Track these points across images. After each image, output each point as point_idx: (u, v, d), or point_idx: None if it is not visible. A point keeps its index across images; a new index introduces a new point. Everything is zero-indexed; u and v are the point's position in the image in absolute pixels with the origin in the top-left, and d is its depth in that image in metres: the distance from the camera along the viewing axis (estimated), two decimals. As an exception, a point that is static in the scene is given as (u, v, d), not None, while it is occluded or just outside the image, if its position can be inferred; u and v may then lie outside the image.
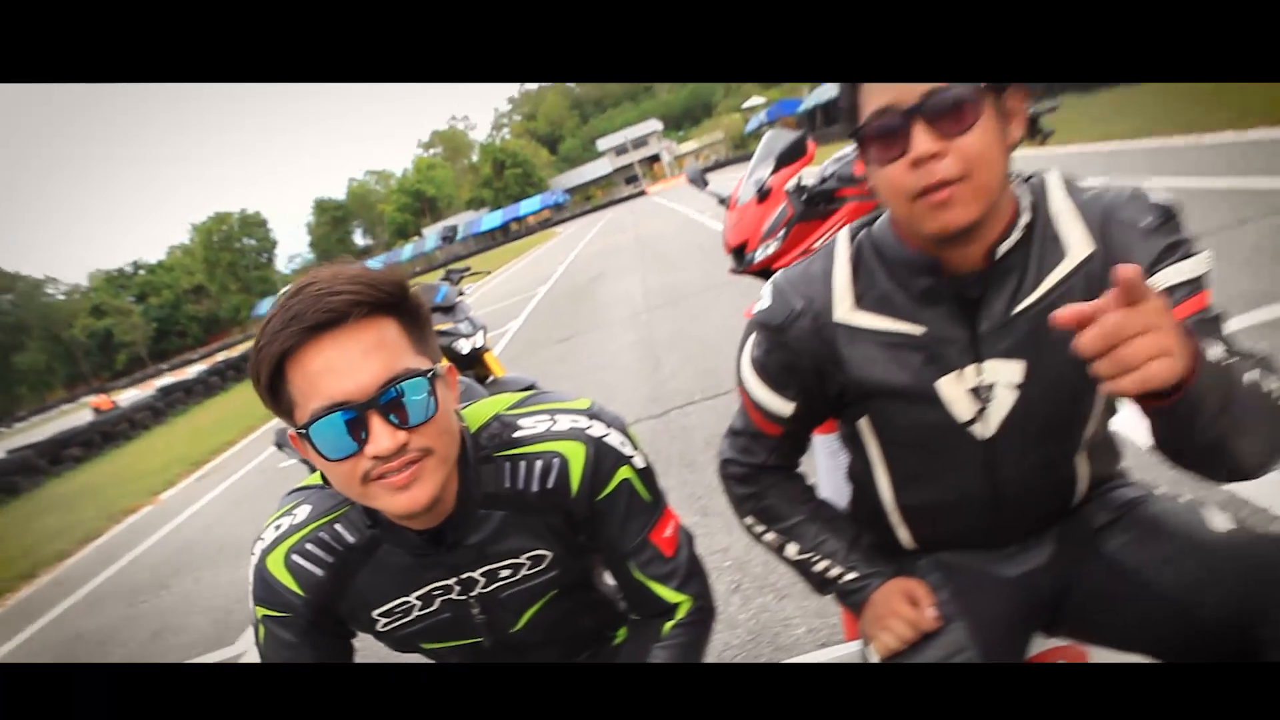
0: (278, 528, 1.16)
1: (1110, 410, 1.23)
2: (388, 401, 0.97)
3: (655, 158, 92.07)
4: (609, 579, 1.39)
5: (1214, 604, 1.06)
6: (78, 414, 28.54)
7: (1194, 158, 7.39)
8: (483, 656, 1.28)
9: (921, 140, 0.99)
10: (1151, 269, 1.06)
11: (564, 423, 1.17)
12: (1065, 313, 0.83)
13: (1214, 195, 5.87)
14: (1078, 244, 1.10)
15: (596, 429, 1.18)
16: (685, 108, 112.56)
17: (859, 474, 1.36)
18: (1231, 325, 3.50)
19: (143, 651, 4.20)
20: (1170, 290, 1.05)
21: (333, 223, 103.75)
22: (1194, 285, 1.06)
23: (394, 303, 1.01)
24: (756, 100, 75.32)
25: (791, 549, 1.34)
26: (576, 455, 1.15)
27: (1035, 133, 4.55)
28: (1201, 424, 0.90)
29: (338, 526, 1.14)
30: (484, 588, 1.18)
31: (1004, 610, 1.25)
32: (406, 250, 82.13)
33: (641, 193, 72.16)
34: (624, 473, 1.19)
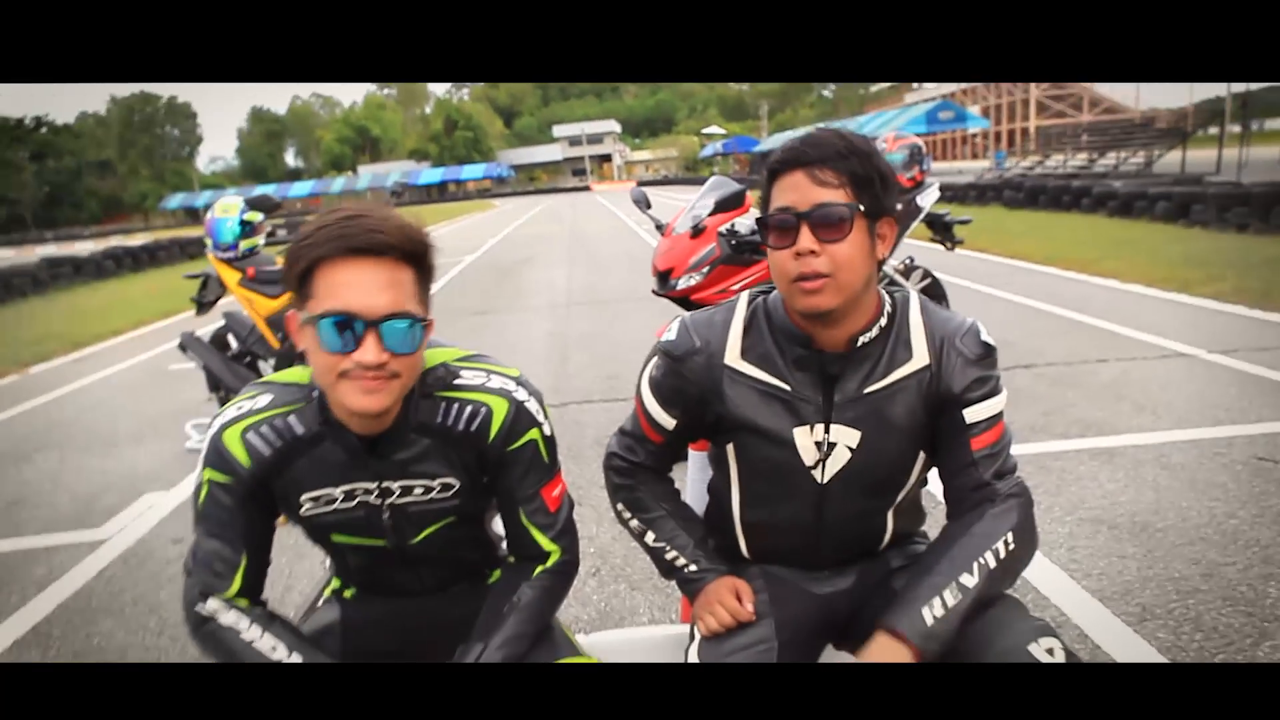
0: (239, 408, 1.36)
1: (921, 483, 1.57)
2: (386, 327, 1.20)
3: (607, 157, 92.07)
4: (496, 527, 1.63)
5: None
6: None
7: (1080, 292, 8.12)
8: (378, 560, 1.50)
9: (805, 239, 1.32)
10: (964, 394, 1.41)
11: (496, 381, 1.42)
12: None
13: (1087, 330, 6.52)
14: (919, 354, 1.43)
15: (520, 394, 1.43)
16: (647, 117, 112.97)
17: (717, 489, 1.65)
18: (1069, 448, 4.01)
19: (-7, 518, 4.17)
20: (974, 424, 1.41)
21: (267, 136, 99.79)
22: (992, 420, 1.43)
23: (418, 259, 1.26)
24: (716, 130, 76.39)
25: (650, 536, 1.62)
26: (500, 409, 1.40)
27: (948, 239, 5.01)
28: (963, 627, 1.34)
29: (290, 418, 1.35)
30: (397, 498, 1.41)
31: (807, 619, 1.55)
32: (338, 183, 79.56)
33: (587, 188, 72.01)
34: (533, 434, 1.44)
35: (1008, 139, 53.75)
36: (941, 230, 5.09)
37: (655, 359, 1.57)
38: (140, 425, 5.78)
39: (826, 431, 1.43)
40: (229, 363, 4.69)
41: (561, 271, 13.22)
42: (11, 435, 5.80)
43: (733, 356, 1.47)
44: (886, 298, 1.46)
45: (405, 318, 1.22)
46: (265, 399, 1.37)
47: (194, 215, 74.16)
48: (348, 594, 1.63)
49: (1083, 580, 2.84)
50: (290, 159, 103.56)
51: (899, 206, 1.45)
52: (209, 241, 4.66)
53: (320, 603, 1.69)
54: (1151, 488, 3.54)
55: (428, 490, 1.41)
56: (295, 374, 1.41)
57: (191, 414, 5.72)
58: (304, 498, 1.39)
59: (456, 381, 1.41)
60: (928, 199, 4.81)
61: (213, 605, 1.36)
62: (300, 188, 79.53)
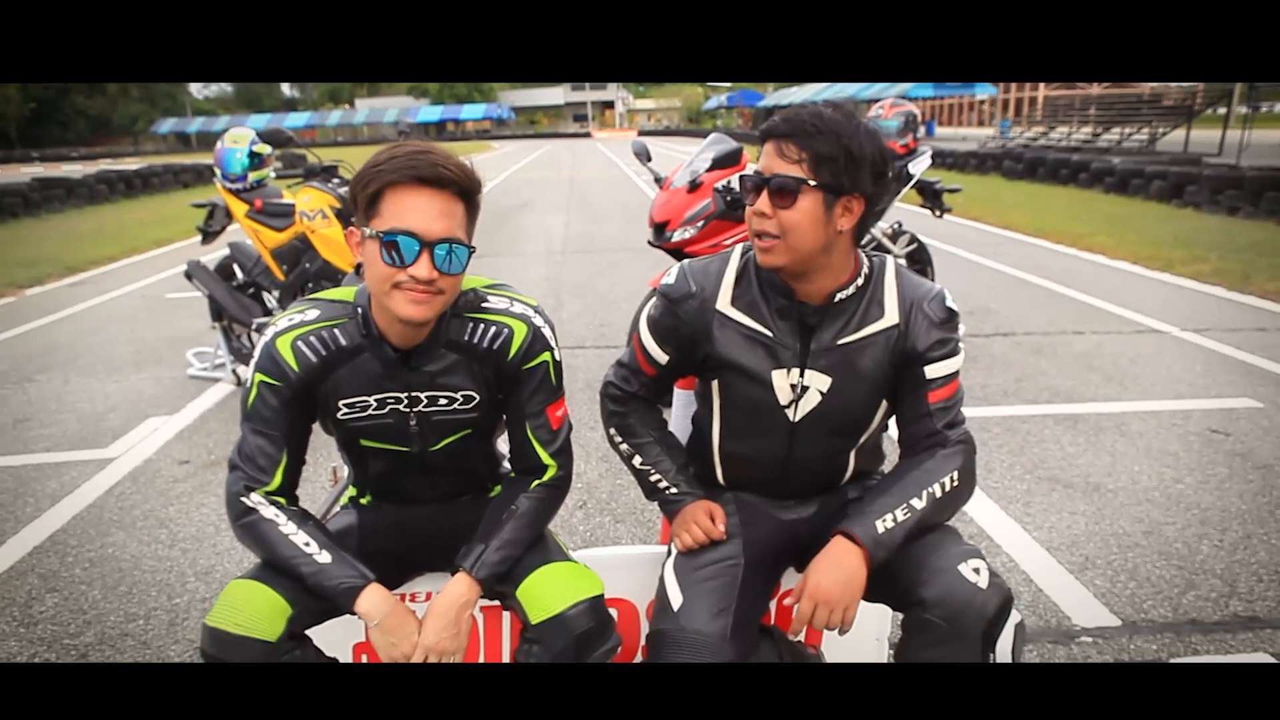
0: (290, 320, 1.55)
1: (882, 428, 1.76)
2: (439, 249, 1.42)
3: (610, 104, 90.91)
4: (502, 447, 1.83)
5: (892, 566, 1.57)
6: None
7: (1066, 265, 8.29)
8: (399, 466, 1.69)
9: (761, 201, 1.51)
10: (926, 352, 1.59)
11: (519, 308, 1.63)
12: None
13: (1068, 302, 6.69)
14: (890, 314, 1.62)
15: (538, 320, 1.64)
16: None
17: (700, 421, 1.84)
18: (1037, 412, 4.21)
19: (2, 434, 4.32)
20: (933, 380, 1.60)
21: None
22: (949, 377, 1.62)
23: (470, 195, 1.48)
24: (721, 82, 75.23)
25: (637, 460, 1.81)
26: (520, 331, 1.60)
27: (937, 206, 5.15)
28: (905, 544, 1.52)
29: (336, 330, 1.55)
30: (424, 407, 1.61)
31: (771, 541, 1.75)
32: (334, 116, 78.56)
33: (588, 134, 71.33)
34: (546, 356, 1.65)
35: (1015, 107, 53.34)
36: (931, 197, 5.23)
37: (654, 299, 1.74)
38: (140, 351, 5.91)
39: (801, 375, 1.62)
40: (233, 292, 4.82)
41: (559, 218, 13.28)
42: (12, 355, 5.92)
43: (723, 302, 1.65)
44: (865, 260, 1.63)
45: (456, 243, 1.44)
46: (314, 313, 1.56)
47: (185, 141, 73.21)
48: (364, 501, 1.82)
49: (1034, 532, 3.06)
50: (286, 89, 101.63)
51: (888, 174, 1.60)
52: (218, 171, 4.76)
53: (339, 509, 1.88)
54: (1109, 453, 3.76)
55: (451, 401, 1.61)
56: (340, 293, 1.61)
57: (191, 342, 5.88)
58: (342, 403, 1.58)
59: (484, 305, 1.61)
60: (919, 166, 4.94)
61: (256, 499, 1.54)
62: (296, 119, 78.24)
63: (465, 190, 1.46)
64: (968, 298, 6.66)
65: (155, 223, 13.53)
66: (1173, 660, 2.32)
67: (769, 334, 1.62)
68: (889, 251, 5.22)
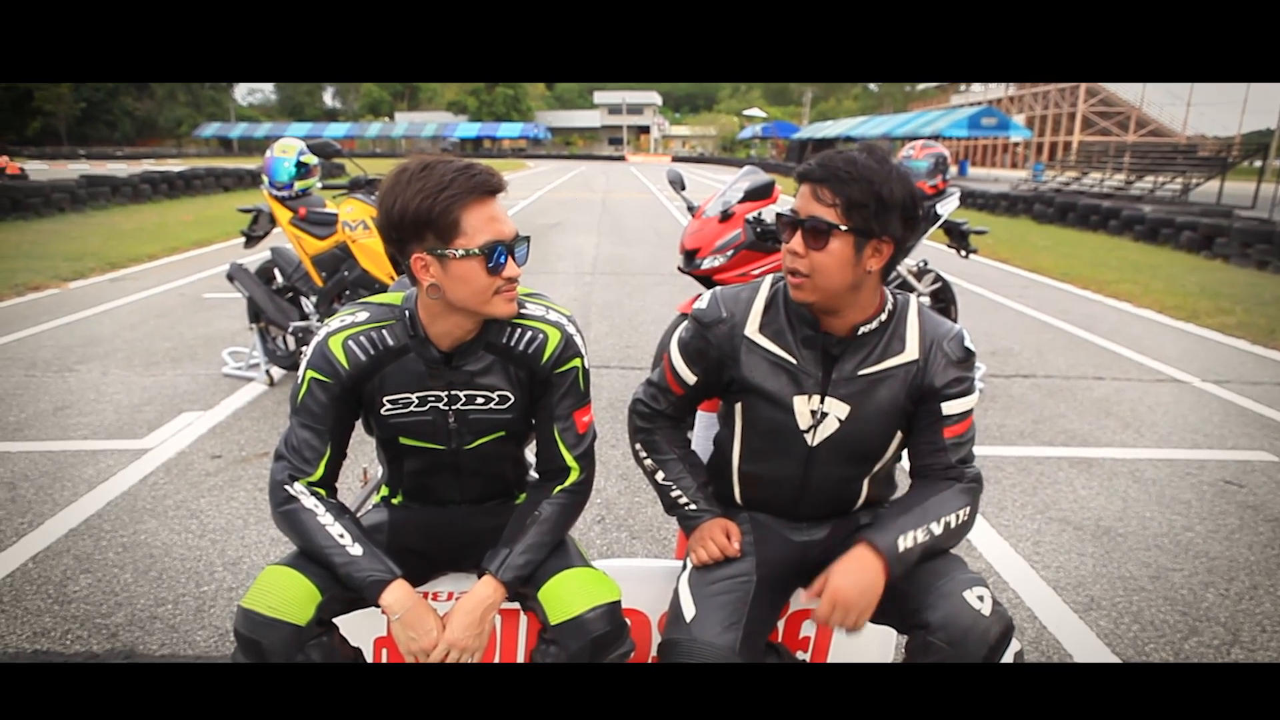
0: (342, 321, 1.67)
1: (896, 458, 1.84)
2: (518, 247, 1.59)
3: (645, 129, 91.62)
4: (530, 456, 1.93)
5: (899, 588, 1.65)
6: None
7: (1091, 311, 8.30)
8: (433, 464, 1.79)
9: (795, 241, 1.62)
10: (943, 389, 1.68)
11: (554, 316, 1.75)
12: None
13: (1090, 348, 6.71)
14: (911, 349, 1.71)
15: (570, 329, 1.75)
16: (689, 92, 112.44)
17: (721, 442, 1.93)
18: (1052, 454, 4.24)
19: (40, 421, 4.46)
20: (949, 416, 1.69)
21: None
22: (964, 414, 1.71)
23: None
24: (757, 112, 75.82)
25: (660, 475, 1.91)
26: (555, 337, 1.71)
27: (963, 247, 5.23)
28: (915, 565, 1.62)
29: (384, 331, 1.67)
30: (462, 405, 1.71)
31: (783, 561, 1.84)
32: (374, 128, 79.79)
33: (622, 158, 71.91)
34: (576, 362, 1.76)
35: (1049, 151, 53.27)
36: (958, 238, 5.30)
37: (686, 323, 1.85)
38: (178, 348, 6.08)
39: (822, 402, 1.71)
40: (272, 295, 4.98)
41: (589, 240, 13.45)
42: (55, 345, 6.11)
43: (752, 329, 1.75)
44: (890, 297, 1.73)
45: (522, 238, 1.60)
46: (364, 315, 1.68)
47: (227, 146, 74.56)
48: (395, 500, 1.92)
49: (1041, 570, 3.10)
50: (328, 99, 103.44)
51: (918, 217, 1.69)
52: (265, 179, 4.93)
53: (371, 508, 1.98)
54: (1121, 497, 3.79)
55: (487, 400, 1.72)
56: (388, 297, 1.73)
57: (227, 342, 6.05)
58: (386, 399, 1.69)
59: (522, 311, 1.71)
60: (946, 207, 5.02)
61: (298, 489, 1.65)
62: (335, 129, 79.60)
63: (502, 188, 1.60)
64: (990, 338, 6.73)
65: (196, 224, 13.87)
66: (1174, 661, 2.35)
67: (793, 361, 1.71)
68: (914, 289, 5.29)
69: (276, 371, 5.23)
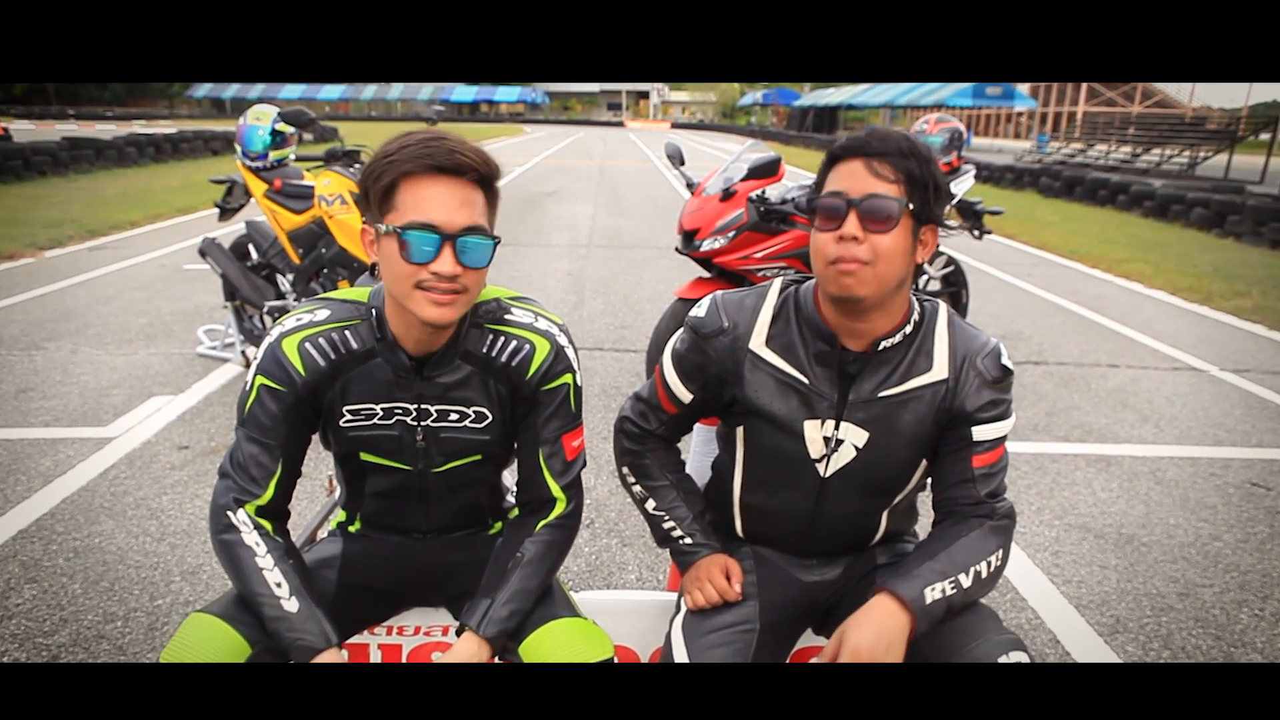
0: (298, 320, 1.43)
1: (919, 487, 1.60)
2: (461, 241, 1.30)
3: (645, 95, 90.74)
4: (509, 483, 1.70)
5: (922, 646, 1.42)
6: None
7: (1101, 291, 8.06)
8: (397, 487, 1.56)
9: (851, 224, 1.34)
10: (975, 413, 1.44)
11: (543, 324, 1.51)
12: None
13: (1102, 332, 6.48)
14: (939, 367, 1.45)
15: (562, 339, 1.51)
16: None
17: (721, 467, 1.69)
18: (1068, 451, 4.03)
19: (3, 404, 4.23)
20: (979, 443, 1.44)
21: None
22: (996, 441, 1.46)
23: (489, 182, 1.36)
24: (757, 78, 74.79)
25: (650, 504, 1.67)
26: (543, 349, 1.48)
27: (977, 228, 4.96)
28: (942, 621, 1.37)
29: (347, 333, 1.43)
30: (433, 421, 1.48)
31: (790, 605, 1.60)
32: (369, 90, 78.67)
33: (620, 124, 71.19)
34: (567, 378, 1.52)
35: (1053, 122, 52.66)
36: (972, 218, 5.03)
37: (681, 332, 1.60)
38: (152, 324, 5.82)
39: (836, 428, 1.47)
40: (247, 273, 4.71)
41: (585, 209, 13.13)
42: (25, 319, 5.85)
43: (757, 342, 1.50)
44: (916, 305, 1.48)
45: (479, 233, 1.32)
46: (324, 313, 1.44)
47: (220, 107, 73.65)
48: (353, 529, 1.68)
49: (1062, 586, 2.89)
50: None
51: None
52: (238, 148, 4.65)
53: (325, 534, 1.75)
54: (1143, 501, 3.58)
55: (462, 417, 1.49)
56: (354, 292, 1.49)
57: (204, 319, 5.80)
58: (347, 409, 1.46)
59: (506, 317, 1.49)
60: (961, 185, 4.76)
61: (242, 518, 1.43)
62: (330, 90, 78.51)
63: (485, 177, 1.34)
64: (999, 320, 6.48)
65: (181, 189, 13.50)
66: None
67: (804, 380, 1.47)
68: (923, 272, 5.03)
69: (252, 352, 4.97)
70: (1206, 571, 3.02)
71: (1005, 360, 1.46)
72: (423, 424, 1.48)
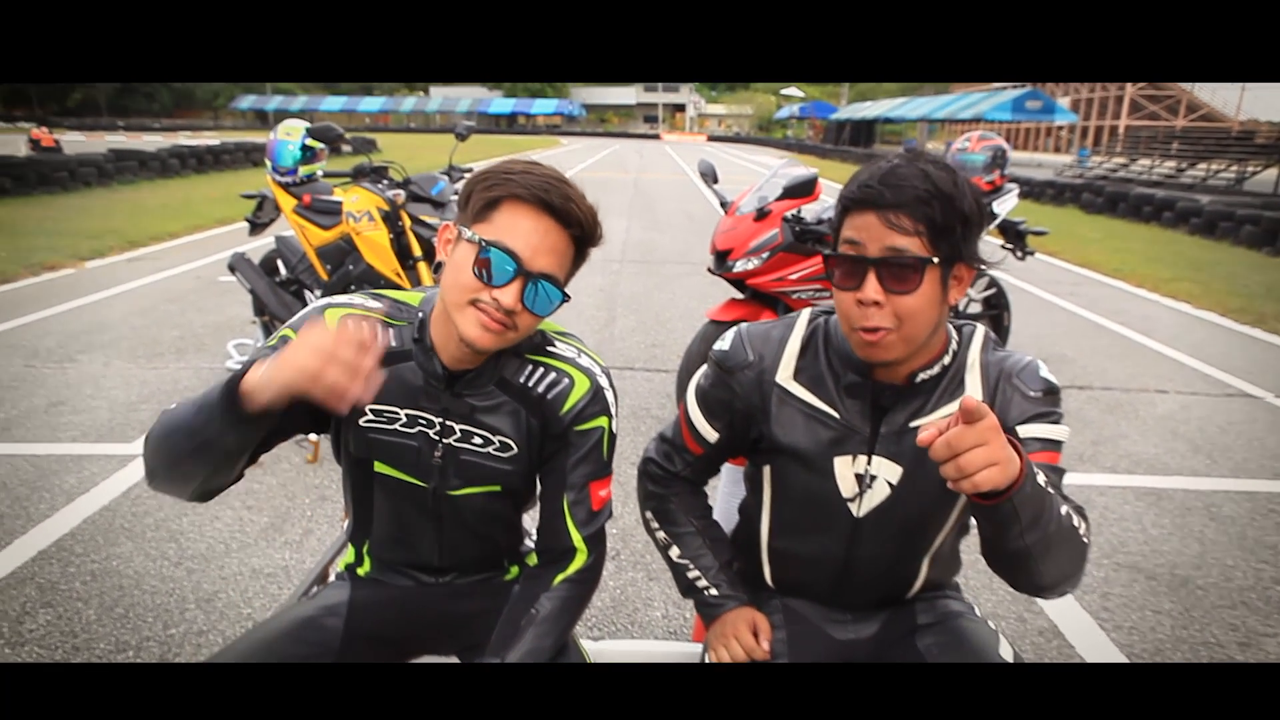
0: (349, 299, 1.39)
1: (961, 529, 1.48)
2: (535, 282, 1.28)
3: (681, 107, 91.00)
4: (530, 526, 1.61)
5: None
6: (10, 139, 26.96)
7: (1147, 312, 7.81)
8: (409, 508, 1.48)
9: (870, 288, 1.22)
10: (1018, 421, 1.29)
11: (585, 361, 1.45)
12: (925, 432, 1.04)
13: (1150, 355, 6.26)
14: (972, 390, 1.34)
15: (603, 380, 1.45)
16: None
17: (748, 510, 1.58)
18: (1116, 483, 3.85)
19: (31, 419, 4.23)
20: (1030, 440, 1.28)
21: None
22: (1051, 444, 1.29)
23: (586, 245, 1.36)
24: (795, 92, 74.78)
25: (674, 551, 1.57)
26: (582, 386, 1.42)
27: (1020, 248, 4.80)
28: (1014, 532, 1.08)
29: (390, 330, 1.38)
30: (455, 440, 1.41)
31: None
32: (408, 102, 79.84)
33: (656, 136, 71.40)
34: (602, 421, 1.44)
35: (1094, 136, 51.83)
36: (1015, 239, 4.87)
37: (705, 368, 1.51)
38: (184, 337, 5.83)
39: (869, 464, 1.37)
40: (275, 288, 4.68)
41: (620, 224, 13.07)
42: (62, 331, 5.89)
43: (785, 375, 1.41)
44: (954, 334, 1.37)
45: (554, 283, 1.30)
46: (376, 304, 1.41)
47: (263, 118, 74.99)
48: (362, 571, 1.60)
49: (1113, 632, 2.73)
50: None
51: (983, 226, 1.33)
52: (268, 163, 4.63)
53: (333, 575, 1.67)
54: (1197, 539, 3.39)
55: (486, 443, 1.42)
56: (408, 295, 1.44)
57: (235, 332, 5.80)
58: (369, 407, 1.40)
59: (548, 349, 1.44)
60: (1004, 205, 4.61)
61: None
62: (371, 103, 79.87)
63: (584, 237, 1.34)
64: (1040, 341, 6.29)
65: (221, 200, 13.65)
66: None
67: (834, 415, 1.37)
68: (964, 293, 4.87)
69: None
70: (1269, 619, 2.84)
71: (1046, 373, 1.33)
72: (444, 441, 1.41)
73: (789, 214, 3.90)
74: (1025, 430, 1.29)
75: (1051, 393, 1.32)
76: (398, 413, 1.40)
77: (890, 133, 57.10)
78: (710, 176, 4.42)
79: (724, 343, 1.47)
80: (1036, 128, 59.27)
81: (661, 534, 1.60)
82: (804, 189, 3.86)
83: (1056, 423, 1.31)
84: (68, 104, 75.36)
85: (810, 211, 4.03)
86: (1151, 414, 4.92)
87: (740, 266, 3.92)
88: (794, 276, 3.90)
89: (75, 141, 27.30)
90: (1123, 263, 10.28)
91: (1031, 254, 4.87)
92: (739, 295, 4.17)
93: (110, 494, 3.41)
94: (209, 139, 28.10)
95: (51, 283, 7.57)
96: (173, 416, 1.20)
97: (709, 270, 4.12)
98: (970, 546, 1.47)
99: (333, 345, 1.04)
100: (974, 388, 1.34)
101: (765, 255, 3.89)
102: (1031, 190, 19.48)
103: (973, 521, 1.42)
